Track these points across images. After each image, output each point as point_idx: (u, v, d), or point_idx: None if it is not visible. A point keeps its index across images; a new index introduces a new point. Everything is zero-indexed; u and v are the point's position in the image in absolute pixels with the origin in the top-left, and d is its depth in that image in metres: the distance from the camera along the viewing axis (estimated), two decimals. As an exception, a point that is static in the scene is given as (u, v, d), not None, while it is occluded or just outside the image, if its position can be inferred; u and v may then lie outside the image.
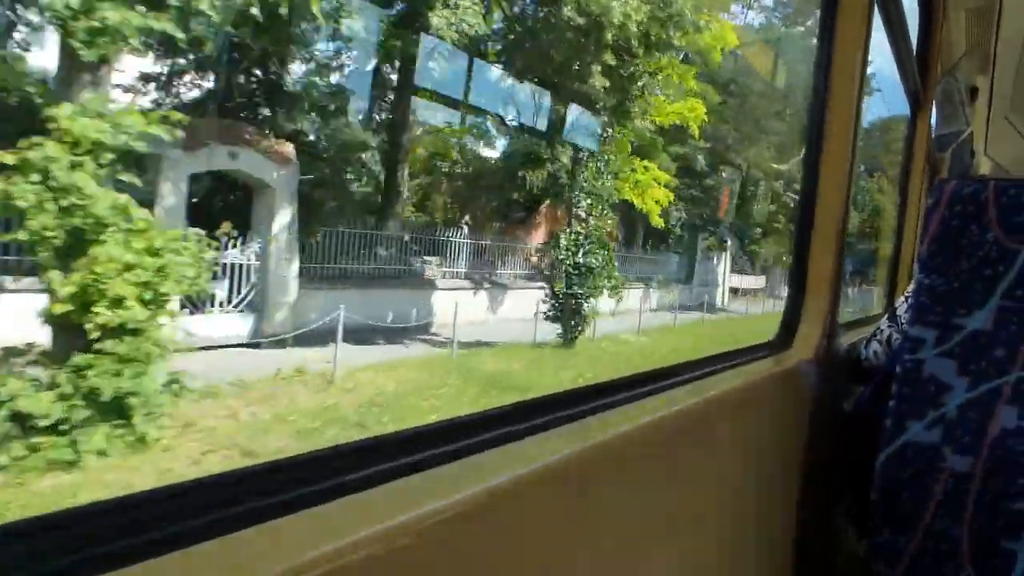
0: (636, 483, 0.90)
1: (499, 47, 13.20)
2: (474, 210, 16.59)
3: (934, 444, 1.43)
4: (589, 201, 13.57)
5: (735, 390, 1.23)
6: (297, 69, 13.53)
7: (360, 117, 15.05)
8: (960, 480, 1.40)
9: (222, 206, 12.20)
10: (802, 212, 1.67)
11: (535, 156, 14.47)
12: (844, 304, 1.91)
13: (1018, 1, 2.48)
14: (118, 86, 13.19)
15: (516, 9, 12.81)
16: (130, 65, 14.28)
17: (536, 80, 13.18)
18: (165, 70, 13.70)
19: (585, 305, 13.60)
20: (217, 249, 11.67)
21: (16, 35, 10.56)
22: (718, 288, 29.81)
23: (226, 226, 11.79)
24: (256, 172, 11.75)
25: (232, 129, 11.57)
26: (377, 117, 15.89)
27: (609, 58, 11.67)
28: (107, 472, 5.55)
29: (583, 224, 13.80)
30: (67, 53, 6.58)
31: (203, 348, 10.60)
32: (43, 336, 6.29)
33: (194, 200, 11.33)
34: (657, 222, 20.00)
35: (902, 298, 1.79)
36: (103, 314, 5.78)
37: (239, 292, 11.82)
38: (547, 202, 19.63)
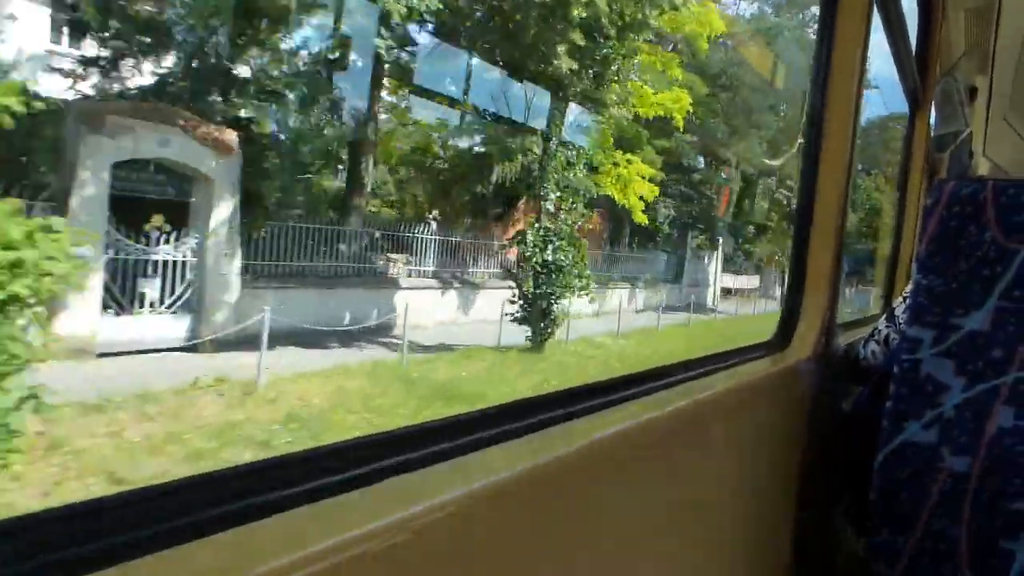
0: (633, 483, 0.90)
1: (461, 26, 12.23)
2: (443, 205, 15.60)
3: (932, 444, 1.43)
4: (558, 194, 12.58)
5: (733, 389, 1.24)
6: (251, 54, 12.60)
7: (319, 106, 14.06)
8: (958, 480, 1.40)
9: (155, 198, 11.22)
10: (801, 211, 1.66)
11: (506, 147, 13.48)
12: (841, 305, 1.83)
13: (1017, 1, 2.47)
14: (57, 70, 12.28)
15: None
16: (71, 48, 13.40)
17: (502, 63, 12.22)
18: (107, 54, 12.71)
19: (555, 306, 12.63)
20: (146, 244, 10.87)
21: None
22: (709, 288, 28.85)
23: (157, 219, 10.85)
24: (191, 161, 10.78)
25: (163, 113, 10.60)
26: (341, 107, 14.90)
27: (577, 37, 10.70)
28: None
29: (553, 219, 12.83)
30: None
31: (123, 353, 9.69)
32: None
33: (121, 191, 10.36)
34: (640, 219, 19.05)
35: (900, 298, 1.78)
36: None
37: (174, 291, 10.85)
38: (526, 197, 18.71)
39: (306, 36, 13.27)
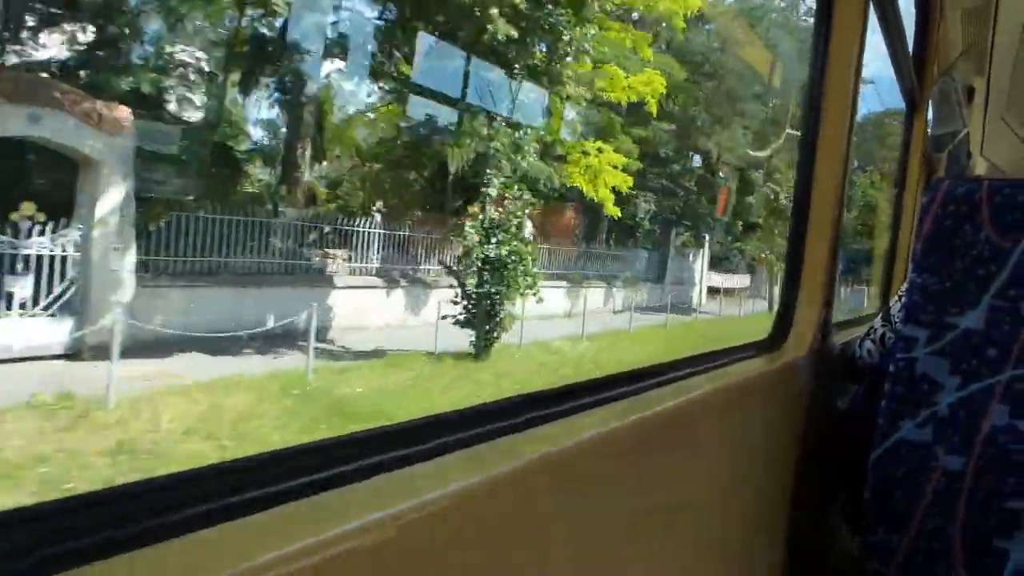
0: (624, 482, 0.89)
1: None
2: (387, 196, 14.17)
3: (926, 443, 1.43)
4: (502, 180, 11.14)
5: (729, 387, 1.24)
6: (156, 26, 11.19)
7: (240, 85, 12.63)
8: (952, 479, 1.40)
9: (29, 183, 9.79)
10: (797, 208, 1.67)
11: (455, 131, 12.02)
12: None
13: (1015, 1, 2.50)
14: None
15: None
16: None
17: (435, 30, 10.77)
18: None
19: (501, 306, 11.20)
20: (14, 236, 9.47)
21: None
22: (694, 288, 27.41)
23: (28, 208, 9.42)
24: (71, 141, 9.35)
25: (35, 86, 9.18)
26: (271, 87, 13.47)
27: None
28: None
29: (501, 209, 11.39)
30: None
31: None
32: None
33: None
34: (613, 211, 17.63)
35: (896, 297, 1.77)
36: None
37: (51, 291, 9.43)
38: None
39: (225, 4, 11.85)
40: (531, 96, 12.20)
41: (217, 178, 12.20)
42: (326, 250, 13.98)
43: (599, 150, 17.39)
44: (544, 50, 10.80)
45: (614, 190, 17.72)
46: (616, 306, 21.74)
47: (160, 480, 0.51)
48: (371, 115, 14.03)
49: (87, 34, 10.03)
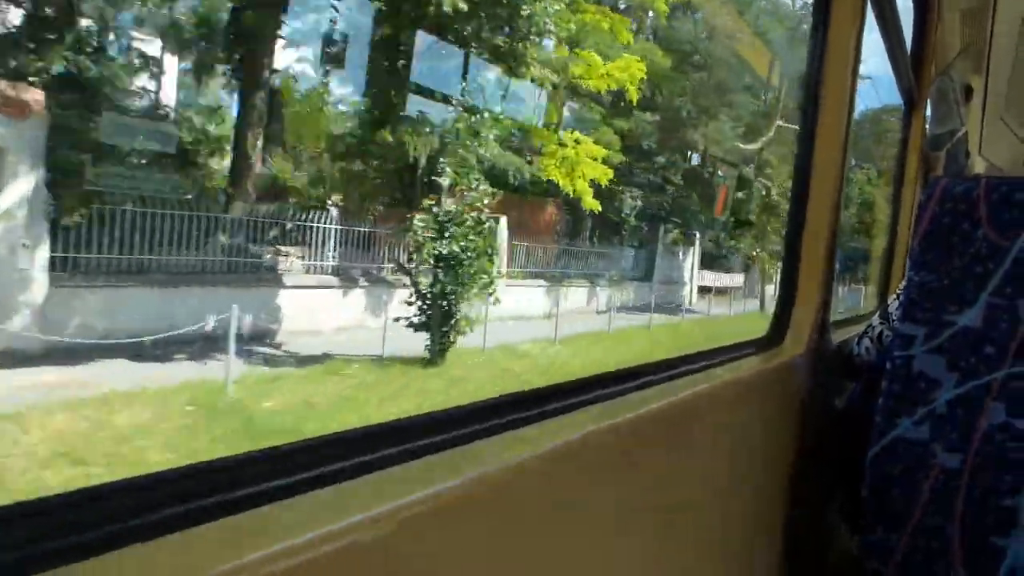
0: (619, 482, 0.88)
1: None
2: (348, 189, 13.21)
3: (924, 440, 1.43)
4: (458, 169, 10.17)
5: (726, 385, 1.22)
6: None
7: (188, 70, 11.68)
8: (950, 476, 1.40)
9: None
10: (794, 206, 1.66)
11: (414, 117, 11.05)
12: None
13: (1013, 1, 2.51)
14: None
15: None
16: None
17: (382, 5, 9.79)
18: None
19: (458, 307, 10.25)
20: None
21: None
22: (685, 287, 26.45)
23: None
24: (-37, 124, 8.43)
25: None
26: (222, 72, 12.52)
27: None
28: None
29: (458, 200, 10.43)
30: None
31: None
32: None
33: None
34: (592, 205, 16.67)
35: (894, 295, 1.77)
36: None
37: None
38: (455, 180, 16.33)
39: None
40: (496, 80, 11.23)
41: (154, 169, 11.22)
42: (278, 247, 13.03)
43: (576, 141, 16.46)
44: (509, 31, 9.82)
45: (594, 184, 16.78)
46: (600, 306, 20.83)
47: (160, 475, 0.51)
48: (332, 101, 13.04)
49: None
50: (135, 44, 11.18)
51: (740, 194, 23.32)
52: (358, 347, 10.91)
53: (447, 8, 8.49)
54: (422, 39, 10.11)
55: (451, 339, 10.36)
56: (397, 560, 0.56)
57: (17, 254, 8.89)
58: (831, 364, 1.73)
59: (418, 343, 10.80)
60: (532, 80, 11.51)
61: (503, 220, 17.58)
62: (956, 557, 1.39)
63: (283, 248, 13.14)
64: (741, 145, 20.72)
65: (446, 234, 9.93)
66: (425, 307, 10.52)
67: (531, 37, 10.01)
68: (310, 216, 13.12)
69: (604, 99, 17.32)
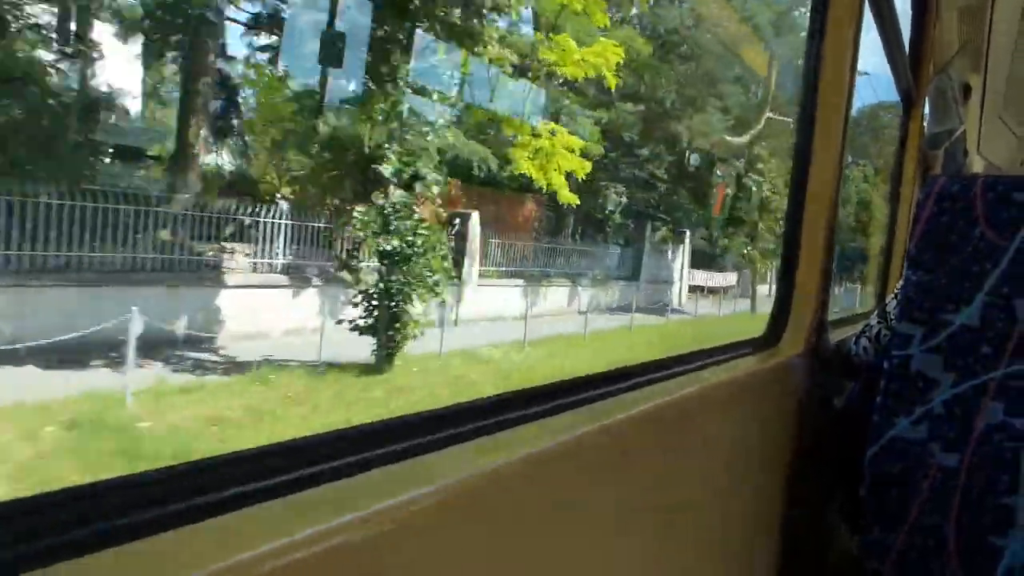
0: (615, 482, 0.88)
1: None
2: (298, 181, 12.25)
3: (922, 440, 1.43)
4: (405, 157, 9.20)
5: (724, 385, 1.22)
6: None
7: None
8: (948, 476, 1.40)
9: None
10: (792, 206, 1.65)
11: (362, 100, 10.07)
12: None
13: (1010, 1, 2.51)
14: None
15: None
16: None
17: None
18: None
19: (405, 308, 9.31)
20: None
21: None
22: (674, 286, 25.50)
23: None
24: None
25: None
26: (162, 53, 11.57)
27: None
28: None
29: (410, 193, 9.47)
30: None
31: None
32: None
33: None
34: (569, 199, 15.74)
35: (892, 294, 1.76)
36: None
37: None
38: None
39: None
40: (448, 61, 10.26)
41: (80, 157, 10.28)
42: (223, 243, 12.09)
43: (552, 132, 15.51)
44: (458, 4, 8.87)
45: (573, 178, 15.84)
46: (582, 306, 19.91)
47: (158, 472, 0.50)
48: (282, 86, 12.06)
49: None
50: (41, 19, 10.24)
51: (729, 190, 22.36)
52: (306, 352, 9.98)
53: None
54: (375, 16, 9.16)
55: (399, 343, 9.41)
56: (389, 560, 0.55)
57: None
58: (829, 364, 1.72)
59: (367, 348, 9.88)
60: (490, 61, 10.55)
61: (475, 216, 16.66)
62: (952, 556, 1.38)
63: (228, 244, 12.21)
64: (729, 138, 19.76)
65: (391, 228, 8.98)
66: (370, 308, 9.57)
67: (486, 13, 9.05)
68: (258, 210, 12.18)
69: (583, 88, 16.40)
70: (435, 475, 0.60)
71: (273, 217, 12.35)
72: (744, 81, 21.41)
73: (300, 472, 0.55)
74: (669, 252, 25.25)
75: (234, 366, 9.14)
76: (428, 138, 9.27)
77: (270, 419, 6.97)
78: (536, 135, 15.40)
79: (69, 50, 10.96)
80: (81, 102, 10.90)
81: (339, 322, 9.65)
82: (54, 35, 10.75)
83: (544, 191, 15.87)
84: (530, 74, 12.66)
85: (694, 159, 22.13)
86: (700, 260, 26.78)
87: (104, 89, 11.71)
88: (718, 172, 22.83)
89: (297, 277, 12.46)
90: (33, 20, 10.31)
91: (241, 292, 11.63)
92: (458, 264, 16.41)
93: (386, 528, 0.53)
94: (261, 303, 11.84)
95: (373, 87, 9.31)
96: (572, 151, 15.69)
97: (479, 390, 9.34)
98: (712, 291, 26.90)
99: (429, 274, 9.02)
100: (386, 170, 8.99)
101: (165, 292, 10.82)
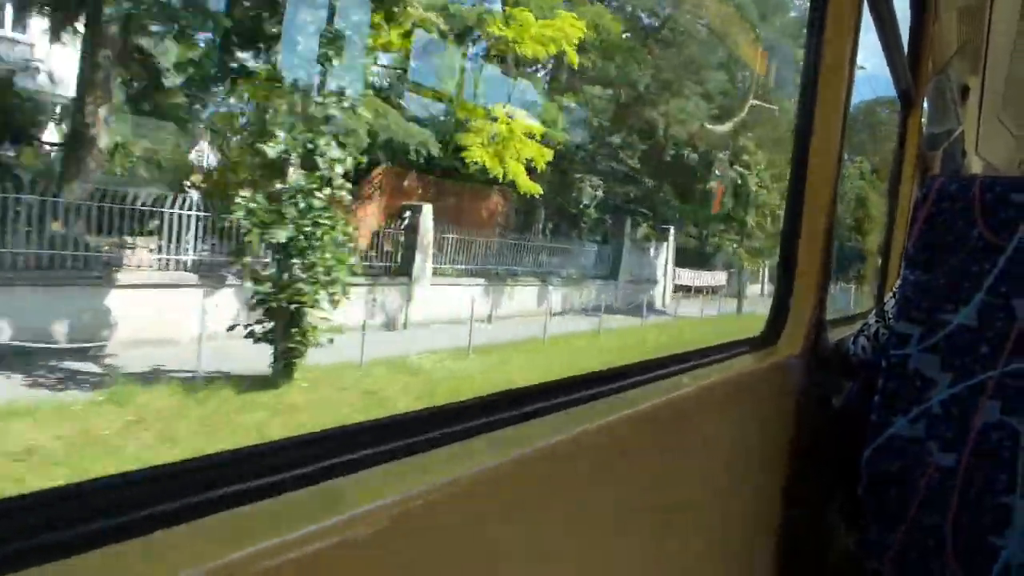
0: (613, 482, 0.87)
1: None
2: (212, 168, 10.86)
3: (919, 439, 1.43)
4: (296, 135, 7.81)
5: (722, 384, 1.23)
6: None
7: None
8: (945, 475, 1.40)
9: None
10: (790, 205, 1.67)
11: (250, 71, 8.70)
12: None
13: (1009, 1, 2.53)
14: None
15: None
16: None
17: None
18: None
19: (305, 312, 7.93)
20: None
21: None
22: (657, 286, 24.11)
23: None
24: None
25: None
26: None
27: None
28: None
29: (310, 174, 8.07)
30: None
31: None
32: None
33: None
34: (531, 188, 14.39)
35: (890, 293, 1.73)
36: None
37: None
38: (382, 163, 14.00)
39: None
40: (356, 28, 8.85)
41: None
42: (123, 238, 10.72)
43: (509, 116, 14.14)
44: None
45: (531, 166, 14.47)
46: (553, 307, 18.55)
47: (160, 469, 0.50)
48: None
49: None
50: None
51: (712, 184, 20.97)
52: (206, 361, 8.61)
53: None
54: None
55: (299, 352, 8.02)
56: (390, 557, 0.56)
57: None
58: (828, 363, 1.73)
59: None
60: (413, 24, 9.18)
61: (427, 208, 15.30)
62: (950, 555, 1.40)
63: (133, 240, 10.84)
64: (709, 126, 18.36)
65: (287, 217, 7.59)
66: (269, 311, 8.20)
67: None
68: (163, 201, 10.81)
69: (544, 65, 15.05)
70: (430, 474, 0.60)
71: (182, 208, 10.98)
72: (726, 64, 20.01)
73: (293, 471, 0.55)
74: (652, 250, 23.87)
75: (100, 381, 7.77)
76: (330, 112, 7.90)
77: (91, 453, 5.59)
78: (492, 119, 14.03)
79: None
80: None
81: (231, 328, 8.26)
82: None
83: (501, 180, 14.49)
84: (483, 51, 11.25)
85: (676, 150, 20.84)
86: (690, 259, 25.45)
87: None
88: (716, 171, 21.69)
89: (210, 276, 11.09)
90: None
91: (141, 292, 10.29)
92: (408, 260, 15.08)
93: (380, 527, 0.53)
94: (164, 304, 10.49)
95: (239, 52, 7.94)
96: (532, 137, 14.33)
97: (390, 408, 7.97)
98: (700, 291, 25.58)
99: (324, 271, 7.64)
100: (270, 149, 7.61)
101: (46, 293, 9.50)
